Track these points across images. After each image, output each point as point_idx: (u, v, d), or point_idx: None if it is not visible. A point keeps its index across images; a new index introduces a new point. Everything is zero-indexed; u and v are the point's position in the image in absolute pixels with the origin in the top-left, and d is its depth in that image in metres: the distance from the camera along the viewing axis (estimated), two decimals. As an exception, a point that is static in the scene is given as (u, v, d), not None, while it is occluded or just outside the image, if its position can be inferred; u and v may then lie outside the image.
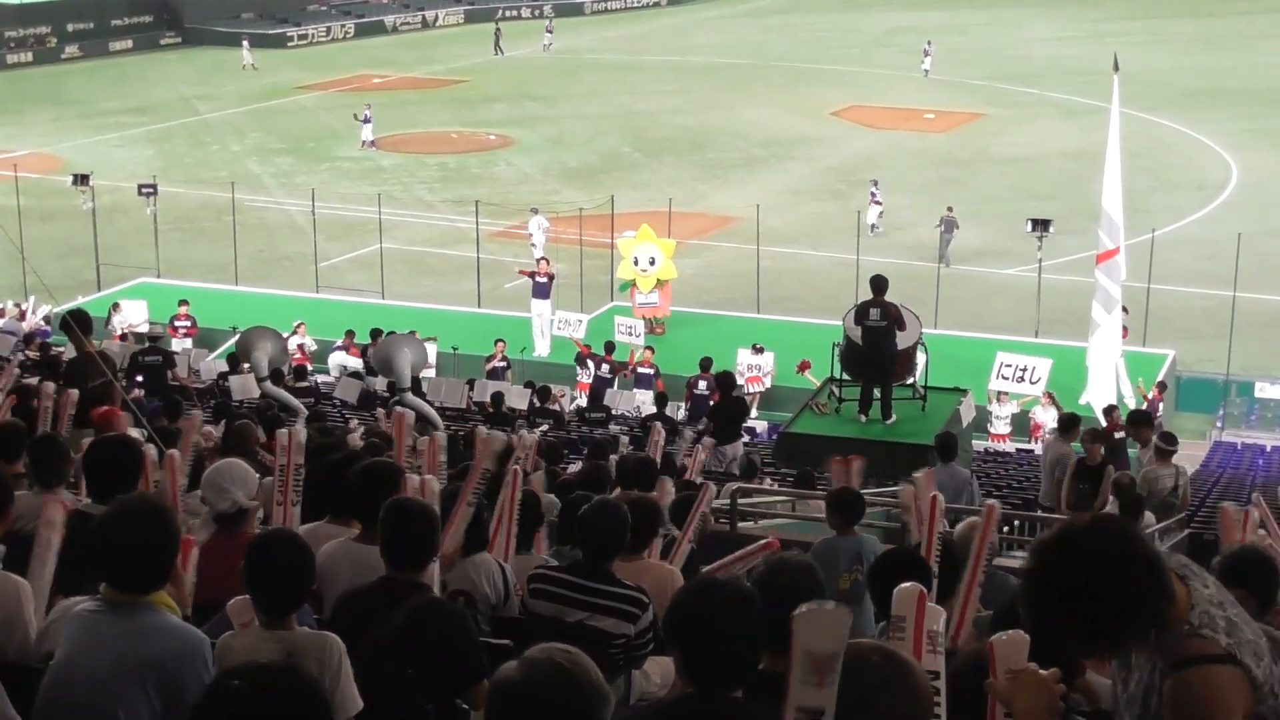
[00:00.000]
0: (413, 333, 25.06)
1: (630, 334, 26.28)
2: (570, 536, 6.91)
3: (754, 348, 25.40)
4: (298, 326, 26.30)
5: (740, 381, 25.12)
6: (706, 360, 22.69)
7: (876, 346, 16.98)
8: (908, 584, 3.47)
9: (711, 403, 20.72)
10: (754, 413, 24.88)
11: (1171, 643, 3.17)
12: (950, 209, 32.70)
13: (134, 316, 27.62)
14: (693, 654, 3.66)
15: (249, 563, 4.72)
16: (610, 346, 25.05)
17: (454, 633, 4.64)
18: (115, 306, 27.84)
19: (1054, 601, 3.10)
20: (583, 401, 23.49)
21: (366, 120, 46.09)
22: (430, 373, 23.99)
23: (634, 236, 28.73)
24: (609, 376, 24.22)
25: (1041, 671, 3.13)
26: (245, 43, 63.63)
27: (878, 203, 35.48)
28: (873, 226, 34.56)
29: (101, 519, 4.48)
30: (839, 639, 2.88)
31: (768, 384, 25.24)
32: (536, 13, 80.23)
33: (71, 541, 4.95)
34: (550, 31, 67.70)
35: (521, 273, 28.90)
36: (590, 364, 24.82)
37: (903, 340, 17.27)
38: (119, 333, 26.70)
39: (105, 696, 4.18)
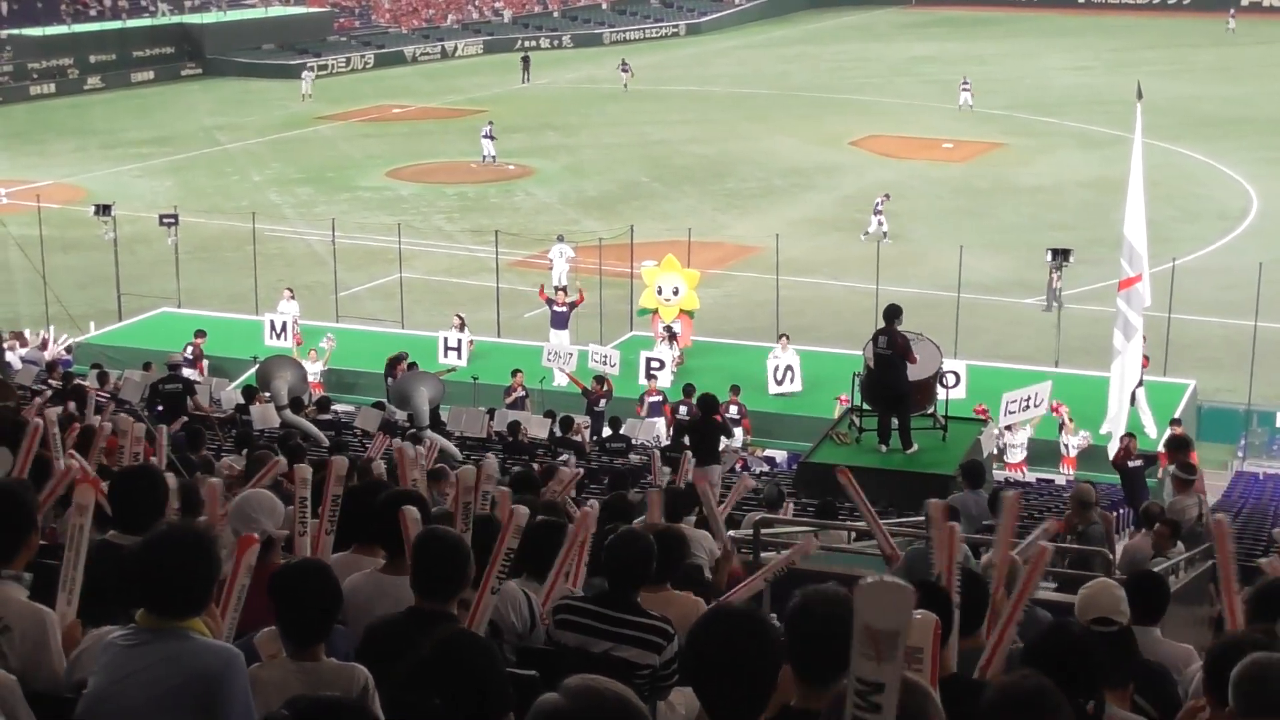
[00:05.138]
0: (413, 363, 25.09)
1: (605, 363, 26.13)
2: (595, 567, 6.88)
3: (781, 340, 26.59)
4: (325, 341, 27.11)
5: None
6: (689, 387, 22.80)
7: (885, 375, 16.96)
8: (923, 613, 3.43)
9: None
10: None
11: None
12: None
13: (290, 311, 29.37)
14: (707, 686, 3.63)
15: (276, 593, 4.72)
16: (601, 380, 24.87)
17: (482, 663, 4.62)
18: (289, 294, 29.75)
19: None
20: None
21: (488, 136, 46.87)
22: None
23: (656, 265, 28.71)
24: (601, 410, 23.94)
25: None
26: (306, 74, 64.57)
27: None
28: (884, 234, 36.20)
29: (144, 543, 4.46)
30: (900, 616, 2.72)
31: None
32: (555, 43, 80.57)
33: (100, 573, 4.94)
34: (626, 71, 64.69)
35: (542, 296, 28.93)
36: (602, 400, 24.47)
37: (922, 370, 17.24)
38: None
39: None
